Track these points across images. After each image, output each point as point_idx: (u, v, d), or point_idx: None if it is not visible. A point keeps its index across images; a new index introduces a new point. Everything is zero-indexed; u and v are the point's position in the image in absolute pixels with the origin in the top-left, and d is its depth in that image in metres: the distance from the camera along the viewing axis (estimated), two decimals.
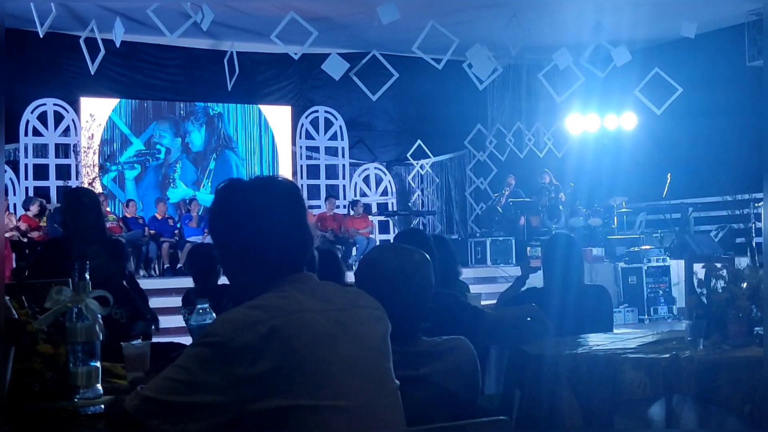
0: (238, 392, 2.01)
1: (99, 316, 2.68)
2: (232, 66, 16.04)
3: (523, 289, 5.80)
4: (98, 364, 2.68)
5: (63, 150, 15.95)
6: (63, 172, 15.83)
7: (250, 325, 2.05)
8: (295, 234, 2.26)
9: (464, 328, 4.69)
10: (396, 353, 2.85)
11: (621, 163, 17.21)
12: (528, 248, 14.88)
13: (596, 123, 18.06)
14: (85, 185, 15.69)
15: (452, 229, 18.75)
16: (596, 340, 4.16)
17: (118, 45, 13.60)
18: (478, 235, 17.58)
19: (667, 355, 3.29)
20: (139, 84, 16.76)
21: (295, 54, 14.61)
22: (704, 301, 3.63)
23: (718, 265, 3.64)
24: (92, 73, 13.87)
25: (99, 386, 2.67)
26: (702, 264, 3.73)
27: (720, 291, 3.58)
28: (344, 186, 18.13)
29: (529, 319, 4.80)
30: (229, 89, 16.09)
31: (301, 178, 17.79)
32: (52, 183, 15.71)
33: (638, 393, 3.23)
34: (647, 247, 14.91)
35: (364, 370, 2.17)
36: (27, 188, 15.46)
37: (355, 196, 17.89)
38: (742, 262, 10.96)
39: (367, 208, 17.57)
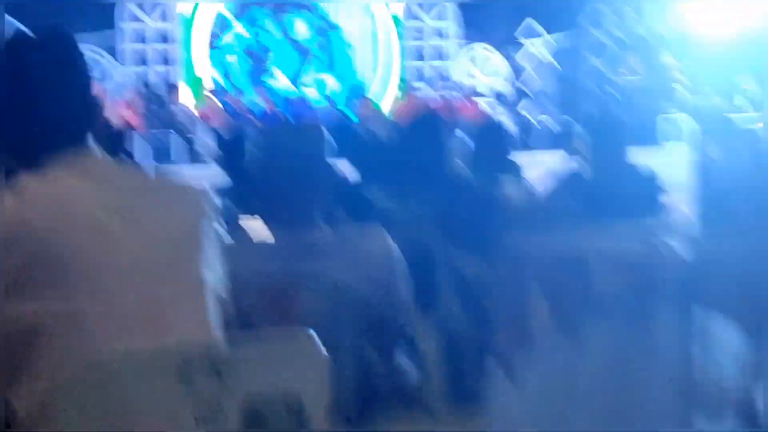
0: None
1: None
2: None
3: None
4: None
5: (162, 36, 15.71)
6: (162, 58, 15.66)
7: None
8: (71, 100, 1.79)
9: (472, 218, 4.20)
10: (285, 243, 2.42)
11: None
12: None
13: None
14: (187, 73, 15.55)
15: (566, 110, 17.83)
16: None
17: None
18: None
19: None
20: None
21: None
22: None
23: None
24: None
25: None
26: None
27: None
28: (451, 68, 17.41)
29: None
30: None
31: (409, 63, 17.20)
32: (151, 69, 15.58)
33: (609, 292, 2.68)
34: None
35: (151, 269, 1.71)
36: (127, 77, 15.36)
37: (463, 78, 17.18)
38: None
39: (474, 90, 16.89)
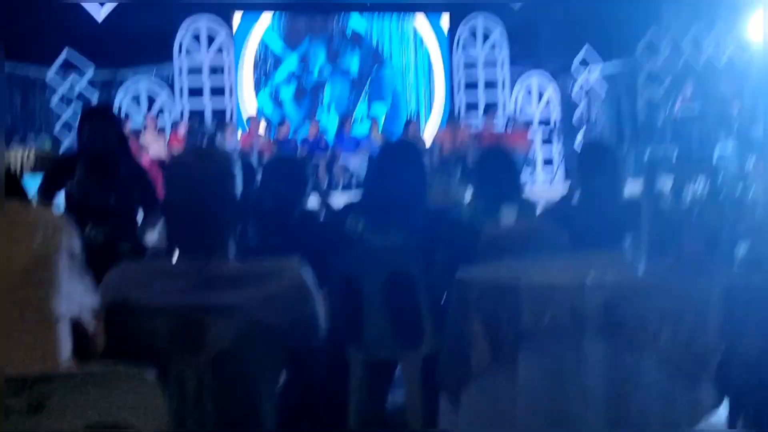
0: None
1: None
2: None
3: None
4: None
5: (217, 69, 15.93)
6: (217, 91, 15.88)
7: None
8: None
9: (455, 247, 4.18)
10: (189, 276, 2.41)
11: None
12: None
13: None
14: (240, 105, 15.81)
15: (622, 141, 17.57)
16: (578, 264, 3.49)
17: None
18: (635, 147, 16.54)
19: (572, 282, 2.65)
20: None
21: None
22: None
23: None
24: None
25: None
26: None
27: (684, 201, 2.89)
28: (504, 100, 17.31)
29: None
30: None
31: (458, 93, 17.16)
32: (207, 103, 15.79)
33: (541, 326, 2.63)
34: None
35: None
36: (182, 109, 15.58)
37: (516, 110, 17.07)
38: None
39: (528, 123, 16.76)
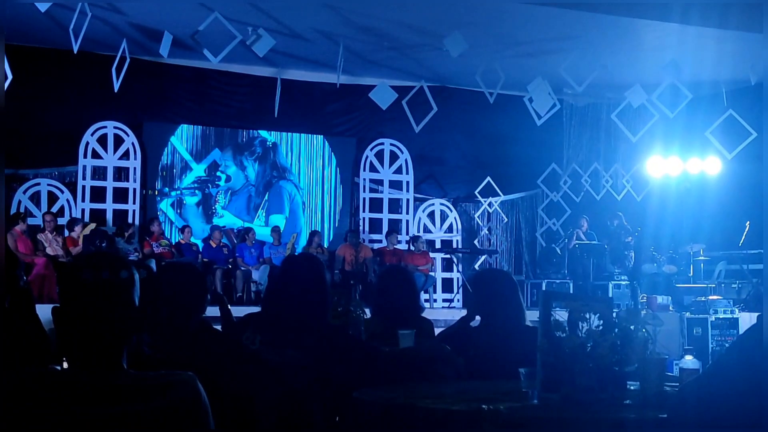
0: None
1: None
2: (299, 96, 16.02)
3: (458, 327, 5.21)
4: None
5: (122, 173, 15.82)
6: (121, 195, 15.72)
7: None
8: None
9: (352, 366, 4.17)
10: (84, 385, 2.36)
11: (703, 208, 16.32)
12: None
13: (678, 166, 17.18)
14: (144, 209, 15.69)
15: (521, 269, 18.00)
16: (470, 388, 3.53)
17: (165, 55, 13.37)
18: (533, 277, 16.95)
19: (467, 408, 2.67)
20: (204, 110, 16.56)
21: (338, 84, 14.44)
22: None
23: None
24: (115, 90, 13.58)
25: None
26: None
27: (579, 335, 2.96)
28: (407, 221, 17.54)
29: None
30: (295, 118, 16.04)
31: (363, 211, 17.32)
32: (109, 206, 15.60)
33: None
34: (716, 297, 13.94)
35: None
36: (83, 210, 15.35)
37: (419, 231, 17.30)
38: None
39: (430, 244, 17.00)
